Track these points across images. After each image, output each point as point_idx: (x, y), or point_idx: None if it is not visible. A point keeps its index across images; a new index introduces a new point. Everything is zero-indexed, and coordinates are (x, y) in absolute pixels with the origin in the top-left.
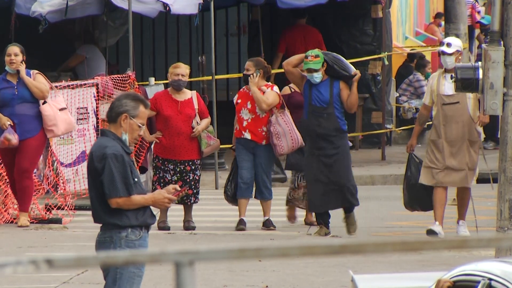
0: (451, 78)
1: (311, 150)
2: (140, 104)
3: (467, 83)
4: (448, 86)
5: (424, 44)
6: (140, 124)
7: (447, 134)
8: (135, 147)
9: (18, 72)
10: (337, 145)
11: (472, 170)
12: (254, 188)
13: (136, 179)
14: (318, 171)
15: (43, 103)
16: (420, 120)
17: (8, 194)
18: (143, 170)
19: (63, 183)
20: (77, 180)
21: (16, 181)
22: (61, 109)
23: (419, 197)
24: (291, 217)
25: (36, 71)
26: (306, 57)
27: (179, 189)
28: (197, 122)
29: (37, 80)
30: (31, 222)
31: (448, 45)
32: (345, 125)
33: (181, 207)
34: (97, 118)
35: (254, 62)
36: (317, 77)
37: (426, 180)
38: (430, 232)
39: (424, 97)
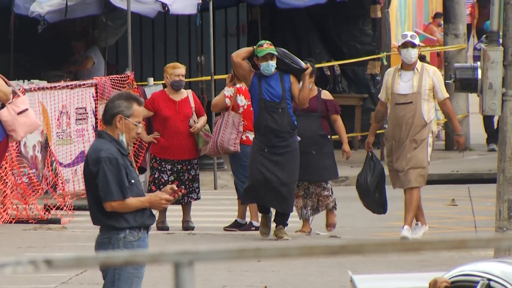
0: (450, 78)
1: (260, 146)
2: (133, 102)
3: (466, 83)
4: (402, 85)
5: (423, 44)
6: (136, 123)
7: (396, 134)
8: (134, 147)
9: None
10: (288, 142)
11: (416, 169)
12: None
13: (133, 181)
14: (265, 169)
15: (1, 108)
16: (376, 117)
17: (6, 194)
18: (142, 170)
19: (62, 183)
20: (76, 180)
21: None
22: (20, 112)
23: (368, 198)
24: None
25: None
26: (261, 45)
27: (176, 189)
28: (194, 121)
29: None
30: (29, 222)
31: (412, 36)
32: (295, 121)
33: (179, 207)
34: (96, 118)
35: None
36: (273, 65)
37: (393, 184)
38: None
39: (380, 93)
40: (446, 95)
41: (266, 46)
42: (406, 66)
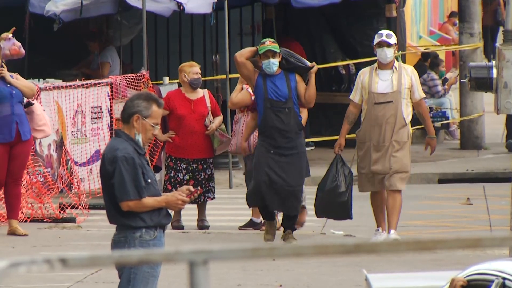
0: (465, 77)
1: (267, 147)
2: (153, 103)
3: (481, 82)
4: (381, 84)
5: (438, 43)
6: (153, 124)
7: (375, 135)
8: (149, 146)
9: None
10: (295, 143)
11: (399, 173)
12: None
13: (149, 180)
14: (271, 171)
15: (27, 105)
16: (348, 119)
17: (22, 193)
18: (157, 169)
19: (77, 182)
20: (91, 179)
21: (9, 186)
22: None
23: (328, 204)
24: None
25: (16, 73)
26: (263, 42)
27: (192, 189)
28: (210, 120)
29: (21, 80)
30: (45, 221)
31: (388, 36)
32: (301, 121)
33: (195, 206)
34: (111, 117)
35: None
36: (275, 63)
37: (361, 188)
38: None
39: (352, 94)
40: (423, 95)
41: (268, 44)
42: (383, 66)
